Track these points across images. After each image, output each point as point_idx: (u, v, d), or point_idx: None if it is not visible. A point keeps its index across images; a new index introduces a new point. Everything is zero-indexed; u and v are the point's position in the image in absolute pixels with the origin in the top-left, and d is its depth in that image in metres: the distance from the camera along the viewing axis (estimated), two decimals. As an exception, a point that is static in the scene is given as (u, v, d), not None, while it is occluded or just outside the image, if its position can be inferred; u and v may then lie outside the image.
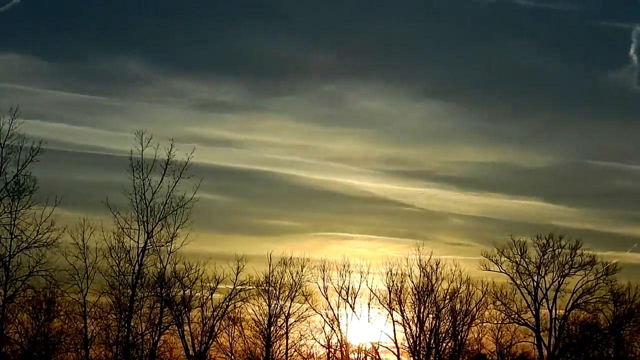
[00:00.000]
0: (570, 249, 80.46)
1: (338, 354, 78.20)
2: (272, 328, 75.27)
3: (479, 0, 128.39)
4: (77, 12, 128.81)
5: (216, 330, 73.18)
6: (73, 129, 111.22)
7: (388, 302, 78.03)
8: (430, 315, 78.07)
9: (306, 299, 76.69)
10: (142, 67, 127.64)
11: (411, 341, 77.59)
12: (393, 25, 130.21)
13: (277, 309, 75.46)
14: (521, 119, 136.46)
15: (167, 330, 70.39)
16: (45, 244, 59.74)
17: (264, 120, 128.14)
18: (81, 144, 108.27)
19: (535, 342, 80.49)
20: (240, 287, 73.26)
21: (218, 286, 72.83)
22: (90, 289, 67.60)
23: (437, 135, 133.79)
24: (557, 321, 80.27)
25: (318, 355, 78.35)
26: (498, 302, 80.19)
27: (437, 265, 78.46)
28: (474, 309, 79.07)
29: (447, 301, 78.34)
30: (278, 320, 75.58)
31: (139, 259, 66.38)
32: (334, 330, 77.67)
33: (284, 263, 76.02)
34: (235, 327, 75.10)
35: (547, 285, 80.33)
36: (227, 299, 73.14)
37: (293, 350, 76.70)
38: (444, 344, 78.78)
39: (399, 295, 78.11)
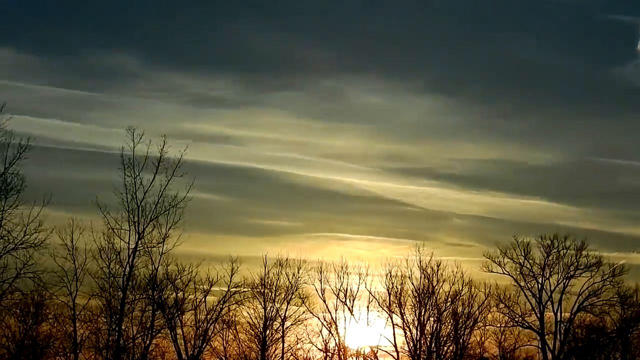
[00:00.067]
0: (575, 250, 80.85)
1: (336, 359, 78.33)
2: (267, 332, 75.39)
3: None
4: (68, 6, 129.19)
5: (210, 334, 73.24)
6: (62, 125, 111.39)
7: (387, 304, 78.22)
8: (431, 318, 78.30)
9: (303, 301, 76.88)
10: (134, 61, 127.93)
11: (411, 345, 77.76)
12: (394, 20, 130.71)
13: (273, 312, 75.58)
14: (525, 115, 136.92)
15: (159, 334, 70.53)
16: (33, 245, 59.75)
17: (260, 116, 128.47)
18: (70, 140, 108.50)
19: (540, 346, 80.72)
20: (234, 289, 73.44)
21: (212, 288, 72.96)
22: (79, 291, 67.73)
23: (438, 132, 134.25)
24: (562, 324, 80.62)
25: (315, 360, 78.53)
26: (501, 305, 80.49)
27: (438, 266, 78.81)
28: (477, 312, 79.36)
29: (448, 304, 78.59)
30: (274, 323, 75.71)
31: (130, 260, 66.43)
32: (332, 334, 77.85)
33: (280, 264, 76.24)
34: (230, 330, 75.21)
35: (552, 287, 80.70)
36: (221, 302, 73.27)
37: (289, 354, 76.85)
38: (446, 348, 78.95)
39: (399, 298, 78.33)
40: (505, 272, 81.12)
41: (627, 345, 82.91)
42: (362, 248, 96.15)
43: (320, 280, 77.71)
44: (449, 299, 78.47)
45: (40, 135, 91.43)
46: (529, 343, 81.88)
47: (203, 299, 73.04)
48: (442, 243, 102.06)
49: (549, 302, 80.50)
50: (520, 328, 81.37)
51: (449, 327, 78.96)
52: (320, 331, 77.66)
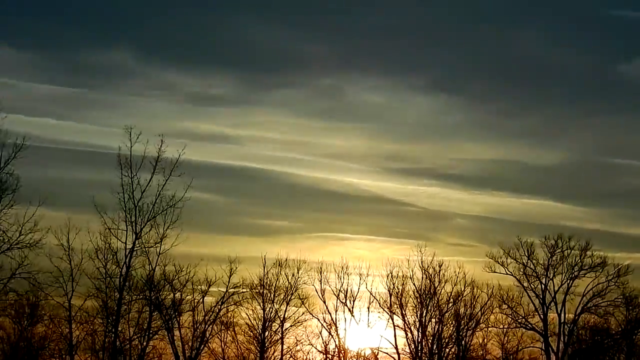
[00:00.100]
0: (579, 250, 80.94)
1: (336, 360, 78.46)
2: (266, 333, 75.48)
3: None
4: (63, 2, 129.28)
5: (208, 335, 73.39)
6: (58, 124, 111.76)
7: (388, 305, 78.30)
8: (433, 320, 78.37)
9: (302, 302, 76.99)
10: (131, 59, 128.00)
11: (413, 347, 77.84)
12: (395, 15, 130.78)
13: (272, 313, 75.68)
14: (529, 113, 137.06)
15: (157, 336, 70.64)
16: (28, 245, 59.94)
17: (258, 114, 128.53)
18: (66, 140, 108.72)
19: (543, 348, 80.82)
20: (233, 290, 73.56)
21: (210, 289, 73.19)
22: (75, 292, 67.88)
23: (440, 131, 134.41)
24: (566, 326, 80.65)
25: (315, 362, 78.64)
26: (504, 306, 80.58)
27: (440, 267, 78.86)
28: (479, 313, 79.41)
29: (450, 305, 78.65)
30: (273, 324, 75.81)
31: (127, 260, 66.57)
32: (332, 336, 77.94)
33: (279, 265, 76.36)
34: (228, 332, 75.33)
35: (556, 288, 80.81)
36: (220, 303, 73.41)
37: (289, 356, 76.91)
38: (447, 350, 79.05)
39: (400, 299, 78.40)
40: (508, 273, 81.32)
41: (632, 347, 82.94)
42: (363, 248, 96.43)
43: (320, 281, 77.95)
44: (451, 300, 78.59)
45: (36, 135, 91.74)
46: (532, 345, 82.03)
47: (201, 300, 73.29)
48: (444, 243, 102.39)
49: (552, 303, 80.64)
50: (524, 329, 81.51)
51: (451, 328, 79.08)
52: (320, 332, 77.89)
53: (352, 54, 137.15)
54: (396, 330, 78.31)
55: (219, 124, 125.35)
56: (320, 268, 77.94)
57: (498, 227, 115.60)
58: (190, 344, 72.37)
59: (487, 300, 79.66)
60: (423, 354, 77.82)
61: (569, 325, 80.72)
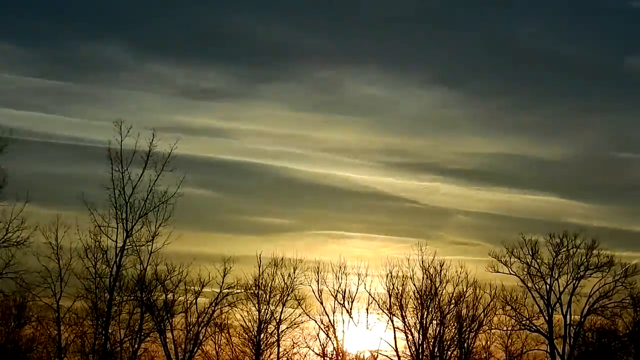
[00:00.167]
0: (586, 249, 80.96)
1: (334, 363, 78.60)
2: (262, 335, 75.62)
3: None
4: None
5: (201, 337, 73.51)
6: (46, 118, 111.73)
7: (388, 306, 78.42)
8: (434, 321, 78.47)
9: (299, 303, 77.10)
10: (121, 50, 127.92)
11: (413, 349, 77.95)
12: (395, 4, 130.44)
13: (268, 315, 75.84)
14: (534, 107, 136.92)
15: (148, 338, 70.75)
16: (15, 244, 60.12)
17: (254, 108, 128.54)
18: (55, 134, 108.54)
19: (548, 351, 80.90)
20: (227, 290, 73.68)
21: (203, 290, 73.29)
22: (64, 292, 68.05)
23: (442, 125, 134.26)
24: (571, 327, 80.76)
25: (312, 365, 78.76)
26: (507, 307, 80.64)
27: (441, 266, 78.91)
28: (482, 315, 79.56)
29: (452, 306, 78.76)
30: (268, 326, 75.95)
31: (118, 259, 66.70)
32: (330, 338, 78.05)
33: (275, 264, 76.48)
34: (222, 334, 75.49)
35: (561, 289, 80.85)
36: (213, 304, 73.51)
37: (285, 359, 77.10)
38: (449, 353, 79.18)
39: (400, 300, 78.50)
40: (512, 273, 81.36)
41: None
42: (362, 247, 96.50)
43: (318, 281, 78.05)
44: (453, 301, 78.69)
45: (23, 128, 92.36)
46: (536, 347, 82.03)
47: (194, 301, 73.44)
48: (445, 242, 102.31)
49: (557, 304, 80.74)
50: (528, 331, 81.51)
51: (453, 330, 79.21)
52: (318, 335, 78.01)
53: (351, 46, 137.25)
54: (396, 332, 78.50)
55: (212, 118, 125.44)
56: (318, 268, 78.18)
57: (501, 225, 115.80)
58: (183, 346, 72.47)
59: (490, 301, 79.87)
60: (424, 357, 77.95)
61: (574, 327, 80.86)
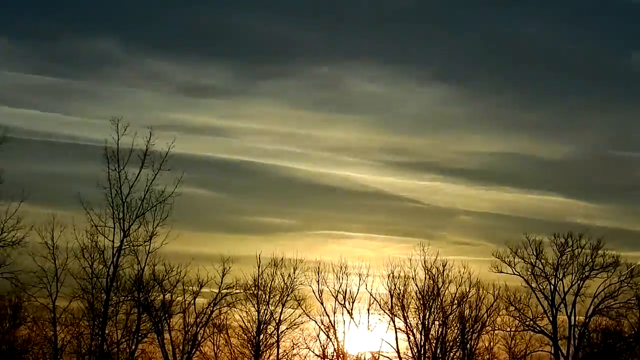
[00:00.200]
0: (591, 249, 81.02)
1: (334, 365, 78.57)
2: (261, 336, 75.60)
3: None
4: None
5: (199, 338, 73.49)
6: (41, 116, 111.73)
7: (390, 307, 78.43)
8: (436, 322, 78.49)
9: (299, 304, 77.07)
10: (117, 47, 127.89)
11: (415, 351, 77.95)
12: (396, 2, 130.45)
13: (267, 315, 75.80)
14: (538, 105, 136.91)
15: (146, 339, 70.80)
16: (10, 243, 60.15)
17: (252, 106, 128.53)
18: (50, 132, 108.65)
19: (553, 352, 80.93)
20: (226, 290, 73.66)
21: (202, 290, 73.32)
22: (60, 292, 68.11)
23: (444, 124, 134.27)
24: (576, 328, 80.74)
25: (312, 366, 78.75)
26: (511, 308, 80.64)
27: (443, 266, 78.96)
28: (485, 315, 79.56)
29: (454, 306, 78.78)
30: (268, 327, 75.93)
31: (114, 259, 66.69)
32: (330, 339, 78.04)
33: (274, 264, 76.44)
34: (221, 335, 75.47)
35: (566, 289, 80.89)
36: (212, 304, 73.49)
37: (285, 360, 77.13)
38: (452, 354, 79.17)
39: (402, 300, 78.50)
40: (516, 273, 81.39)
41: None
42: (363, 247, 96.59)
43: (318, 282, 78.07)
44: (456, 302, 78.70)
45: (18, 126, 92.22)
46: (541, 348, 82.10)
47: (192, 301, 73.40)
48: (448, 242, 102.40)
49: (562, 305, 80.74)
50: (532, 332, 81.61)
51: (455, 331, 79.21)
52: (318, 336, 77.95)
53: (351, 42, 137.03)
54: (398, 333, 78.52)
55: (210, 116, 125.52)
56: (318, 268, 78.19)
57: (505, 225, 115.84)
58: (181, 347, 72.45)
59: (494, 302, 79.90)
60: (426, 358, 77.92)
61: (579, 328, 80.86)
